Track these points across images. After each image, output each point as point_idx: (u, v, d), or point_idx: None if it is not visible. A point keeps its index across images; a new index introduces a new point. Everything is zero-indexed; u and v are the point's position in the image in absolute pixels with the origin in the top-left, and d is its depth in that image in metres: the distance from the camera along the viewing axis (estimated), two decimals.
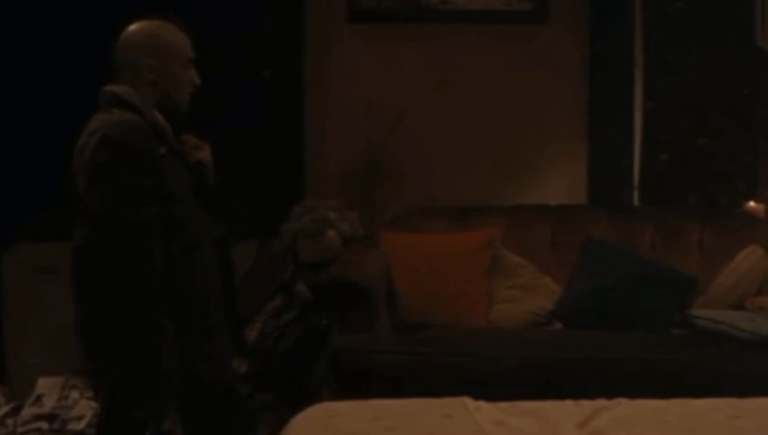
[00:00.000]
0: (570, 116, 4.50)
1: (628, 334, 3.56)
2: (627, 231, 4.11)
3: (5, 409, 3.93)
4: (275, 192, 4.31)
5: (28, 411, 3.87)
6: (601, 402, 2.52)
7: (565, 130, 4.52)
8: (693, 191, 4.67)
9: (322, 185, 4.44)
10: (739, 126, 4.63)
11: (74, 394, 3.90)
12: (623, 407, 2.49)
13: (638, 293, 3.75)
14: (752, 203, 4.43)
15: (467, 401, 2.51)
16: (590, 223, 4.14)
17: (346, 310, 3.61)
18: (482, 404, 2.49)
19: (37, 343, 4.06)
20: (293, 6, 4.43)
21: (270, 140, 4.38)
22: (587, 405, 2.50)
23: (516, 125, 4.49)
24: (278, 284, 3.90)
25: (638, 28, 4.52)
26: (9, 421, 3.85)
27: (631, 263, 3.90)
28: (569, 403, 2.52)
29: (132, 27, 2.70)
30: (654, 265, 3.91)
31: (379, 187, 4.48)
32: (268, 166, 4.36)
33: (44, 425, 3.80)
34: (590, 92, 4.46)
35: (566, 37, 4.49)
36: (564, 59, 4.49)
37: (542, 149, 4.51)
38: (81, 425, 3.78)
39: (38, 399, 3.93)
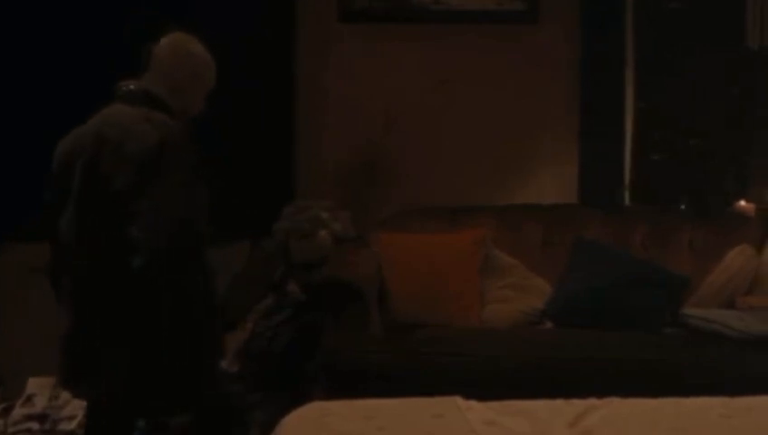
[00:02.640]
0: (561, 116, 4.51)
1: (627, 335, 3.56)
2: (618, 231, 4.12)
3: None
4: (267, 192, 4.31)
5: (19, 412, 3.86)
6: (592, 402, 2.52)
7: (556, 130, 4.52)
8: (684, 191, 4.68)
9: (315, 185, 4.44)
10: (730, 126, 4.65)
11: (65, 394, 3.89)
12: (614, 406, 2.50)
13: (630, 292, 3.76)
14: (742, 203, 4.44)
15: (459, 400, 2.51)
16: (581, 223, 4.14)
17: (339, 310, 3.61)
18: (473, 404, 2.49)
19: (30, 343, 4.05)
20: (286, 6, 4.43)
21: (262, 139, 4.38)
22: (578, 404, 2.50)
23: (508, 125, 4.50)
24: (270, 283, 3.90)
25: (630, 28, 4.53)
26: (0, 422, 3.84)
27: (623, 262, 3.91)
28: (560, 402, 2.53)
29: (180, 36, 2.76)
30: (645, 265, 3.92)
31: (371, 187, 4.48)
32: (260, 166, 4.35)
33: (35, 425, 3.79)
34: (582, 92, 4.47)
35: (558, 37, 4.49)
36: (556, 59, 4.50)
37: (534, 149, 4.52)
38: (71, 425, 3.77)
39: (29, 399, 3.92)
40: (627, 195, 4.56)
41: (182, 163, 2.49)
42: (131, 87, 2.65)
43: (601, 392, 2.59)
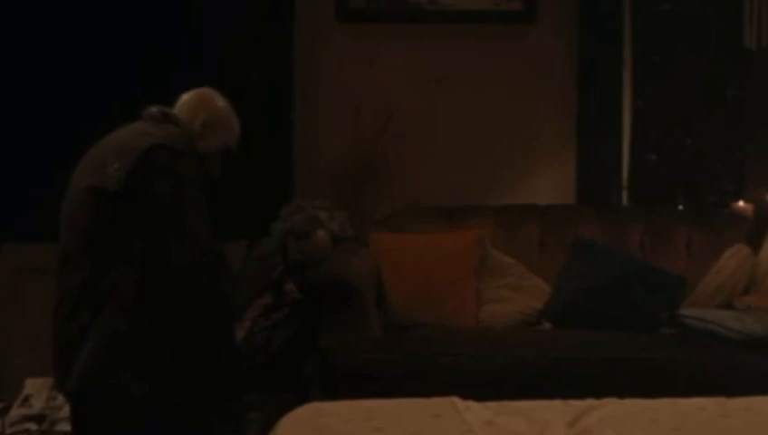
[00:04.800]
0: (558, 116, 4.51)
1: (625, 335, 3.56)
2: (615, 231, 4.12)
3: None
4: (265, 192, 4.31)
5: (16, 412, 3.86)
6: (590, 402, 2.52)
7: (554, 130, 4.52)
8: (681, 191, 4.69)
9: (313, 185, 4.44)
10: (727, 126, 4.65)
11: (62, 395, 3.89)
12: (612, 406, 2.50)
13: (627, 292, 3.76)
14: (740, 203, 4.44)
15: (456, 400, 2.51)
16: (578, 223, 4.14)
17: (336, 310, 3.60)
18: (471, 404, 2.49)
19: (24, 343, 4.05)
20: (282, 6, 4.42)
21: (259, 139, 4.37)
22: (576, 405, 2.50)
23: (505, 125, 4.50)
24: (268, 283, 3.89)
25: (627, 28, 4.53)
26: None
27: (620, 263, 3.91)
28: (558, 403, 2.53)
29: (207, 90, 2.95)
30: (642, 265, 3.92)
31: (369, 187, 4.48)
32: (258, 166, 4.35)
33: (32, 426, 3.79)
34: (579, 92, 4.46)
35: (555, 37, 4.49)
36: (553, 59, 4.49)
37: (531, 149, 4.52)
38: (69, 426, 3.76)
39: (26, 400, 3.91)
40: (624, 195, 4.56)
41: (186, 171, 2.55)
42: (154, 110, 2.73)
43: (599, 393, 2.59)
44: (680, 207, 4.62)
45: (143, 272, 2.54)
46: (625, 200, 4.56)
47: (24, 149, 4.11)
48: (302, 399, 3.00)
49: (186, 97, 2.91)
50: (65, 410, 3.83)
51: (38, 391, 3.93)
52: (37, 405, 3.87)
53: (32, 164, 3.97)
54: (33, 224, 3.53)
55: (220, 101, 2.94)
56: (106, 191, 2.55)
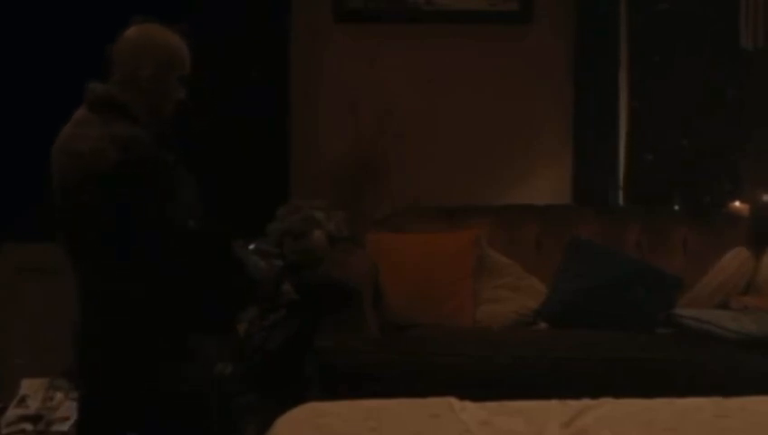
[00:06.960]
0: (555, 116, 4.51)
1: (621, 335, 3.57)
2: (612, 231, 4.12)
3: None
4: (262, 192, 4.31)
5: (13, 413, 3.86)
6: (587, 402, 2.52)
7: (551, 131, 4.52)
8: (678, 191, 4.69)
9: (310, 185, 4.44)
10: (724, 126, 4.65)
11: (59, 396, 3.89)
12: (608, 406, 2.50)
13: (624, 292, 3.77)
14: (736, 203, 4.45)
15: (453, 401, 2.51)
16: (575, 223, 4.15)
17: (333, 310, 3.60)
18: (468, 404, 2.49)
19: (24, 343, 4.05)
20: (280, 6, 4.43)
21: (257, 139, 4.38)
22: (572, 405, 2.50)
23: (502, 125, 4.50)
24: None
25: (624, 28, 4.53)
26: None
27: (617, 263, 3.92)
28: (554, 403, 2.53)
29: (137, 31, 2.59)
30: (639, 265, 3.93)
31: (368, 187, 4.48)
32: (255, 166, 4.35)
33: (29, 426, 3.79)
34: (576, 93, 4.47)
35: (551, 38, 4.49)
36: (549, 59, 4.50)
37: (528, 150, 4.52)
38: (65, 426, 3.77)
39: (22, 400, 3.91)
40: (621, 195, 4.56)
41: (149, 177, 2.45)
42: (97, 91, 2.53)
43: (595, 392, 2.59)
44: (676, 208, 4.63)
45: (140, 274, 2.53)
46: (622, 200, 4.56)
47: (23, 150, 4.10)
48: (300, 399, 3.00)
49: (124, 51, 2.55)
50: (61, 411, 3.83)
51: (34, 391, 3.93)
52: (33, 405, 3.87)
53: (31, 164, 3.97)
54: (33, 224, 3.53)
55: (161, 45, 2.55)
56: (88, 213, 2.51)
